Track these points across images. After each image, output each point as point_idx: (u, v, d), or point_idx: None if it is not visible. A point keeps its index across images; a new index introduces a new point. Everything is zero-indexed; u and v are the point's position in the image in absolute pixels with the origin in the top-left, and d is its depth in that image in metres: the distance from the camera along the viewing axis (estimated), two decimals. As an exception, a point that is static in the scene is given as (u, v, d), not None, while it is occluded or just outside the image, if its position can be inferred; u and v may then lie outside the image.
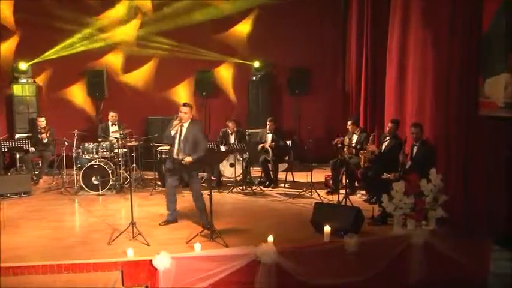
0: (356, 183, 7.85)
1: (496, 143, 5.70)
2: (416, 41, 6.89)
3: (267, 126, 8.65)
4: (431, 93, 6.34)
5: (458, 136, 5.80)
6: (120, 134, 7.78)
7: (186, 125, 5.92)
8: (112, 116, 8.83)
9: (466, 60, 5.68)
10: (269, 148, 8.43)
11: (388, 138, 7.05)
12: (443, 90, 5.97)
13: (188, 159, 5.84)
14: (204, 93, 10.26)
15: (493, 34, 5.38)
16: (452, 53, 5.84)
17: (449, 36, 5.87)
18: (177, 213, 6.27)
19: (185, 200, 6.96)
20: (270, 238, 5.04)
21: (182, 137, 5.89)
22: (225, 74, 10.74)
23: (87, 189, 7.87)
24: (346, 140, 7.78)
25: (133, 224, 5.59)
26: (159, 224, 6.13)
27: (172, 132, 5.89)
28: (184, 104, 6.01)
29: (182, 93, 10.62)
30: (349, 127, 7.86)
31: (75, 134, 8.29)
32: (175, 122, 5.89)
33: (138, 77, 10.53)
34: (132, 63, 10.47)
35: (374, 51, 8.66)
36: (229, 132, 8.60)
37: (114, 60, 10.41)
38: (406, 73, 7.29)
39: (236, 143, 8.35)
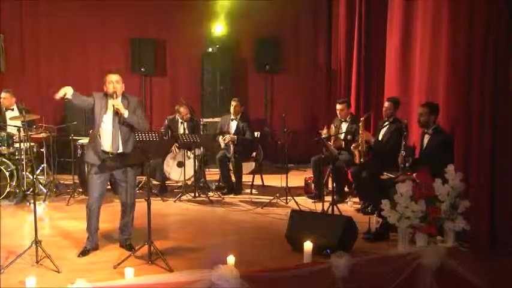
0: (346, 188, 7.84)
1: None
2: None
3: (231, 109, 8.53)
4: (446, 65, 6.24)
5: (483, 121, 5.67)
6: (23, 122, 7.39)
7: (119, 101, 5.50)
8: (4, 98, 8.26)
9: (494, 17, 5.54)
10: (230, 142, 8.30)
11: (386, 123, 7.05)
12: (463, 60, 5.84)
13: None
14: (142, 69, 10.10)
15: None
16: (474, 10, 5.71)
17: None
18: (97, 238, 5.82)
19: (115, 210, 6.53)
20: (231, 259, 4.86)
21: (118, 121, 5.46)
22: (171, 44, 10.56)
23: (-28, 199, 7.56)
24: (333, 129, 7.66)
25: (37, 243, 5.24)
26: (77, 256, 5.61)
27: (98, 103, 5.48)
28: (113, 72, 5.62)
29: (112, 66, 10.20)
30: (339, 111, 7.80)
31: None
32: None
33: (50, 45, 10.14)
34: (42, 26, 10.07)
35: (369, 14, 8.66)
36: (179, 120, 8.46)
37: (15, 21, 9.93)
38: (412, 40, 7.25)
39: (187, 133, 8.10)
